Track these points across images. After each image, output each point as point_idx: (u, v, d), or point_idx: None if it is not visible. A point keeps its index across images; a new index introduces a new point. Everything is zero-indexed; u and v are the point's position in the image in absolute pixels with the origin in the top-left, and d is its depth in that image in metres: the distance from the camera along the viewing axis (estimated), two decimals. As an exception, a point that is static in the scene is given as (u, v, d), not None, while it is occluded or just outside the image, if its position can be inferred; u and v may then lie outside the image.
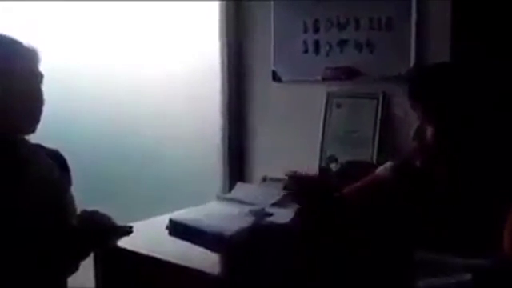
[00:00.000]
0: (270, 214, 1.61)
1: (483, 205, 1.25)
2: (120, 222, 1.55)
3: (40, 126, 1.48)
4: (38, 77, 1.46)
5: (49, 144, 1.60)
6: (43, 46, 1.46)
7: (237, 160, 2.63)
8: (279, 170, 2.32)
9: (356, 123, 2.33)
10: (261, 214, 1.61)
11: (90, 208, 1.56)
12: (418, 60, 2.16)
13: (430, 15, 2.13)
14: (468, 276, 1.09)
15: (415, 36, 2.16)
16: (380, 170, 1.50)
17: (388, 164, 1.49)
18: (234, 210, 1.68)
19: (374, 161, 2.24)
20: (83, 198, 1.63)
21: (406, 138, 2.15)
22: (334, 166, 2.31)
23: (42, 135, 1.55)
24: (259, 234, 1.51)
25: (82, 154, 2.03)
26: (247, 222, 1.54)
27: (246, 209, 1.69)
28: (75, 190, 1.60)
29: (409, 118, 2.16)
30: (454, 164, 1.29)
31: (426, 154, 1.31)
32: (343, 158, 2.30)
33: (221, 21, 2.61)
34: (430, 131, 1.28)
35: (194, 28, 2.56)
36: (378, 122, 2.27)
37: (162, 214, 1.85)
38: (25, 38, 1.43)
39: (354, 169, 2.17)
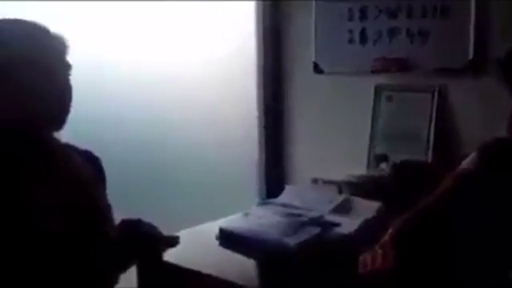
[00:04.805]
0: (337, 224, 1.43)
1: None
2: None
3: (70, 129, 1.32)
4: (66, 68, 1.29)
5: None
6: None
7: (275, 160, 2.45)
8: (323, 171, 2.18)
9: (408, 119, 2.15)
10: (327, 224, 1.43)
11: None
12: (477, 52, 1.97)
13: (492, 2, 1.95)
14: None
15: (474, 25, 1.98)
16: (465, 163, 1.32)
17: (473, 154, 1.32)
18: (288, 217, 1.49)
19: (430, 159, 2.06)
20: (118, 206, 1.46)
21: (465, 135, 2.03)
22: (384, 166, 2.13)
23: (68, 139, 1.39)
24: (329, 245, 1.34)
25: (112, 159, 1.86)
26: (313, 231, 1.37)
27: (303, 215, 1.50)
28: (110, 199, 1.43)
29: (467, 113, 2.04)
30: None
31: None
32: (394, 157, 2.12)
33: (258, 9, 2.42)
34: None
35: (231, 17, 2.38)
36: (434, 117, 2.09)
37: (196, 220, 1.68)
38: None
39: (410, 169, 2.01)
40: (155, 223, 1.42)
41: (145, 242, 1.35)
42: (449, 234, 1.25)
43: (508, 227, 1.21)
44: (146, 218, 1.42)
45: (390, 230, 1.19)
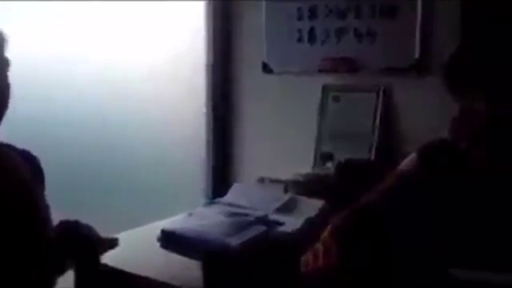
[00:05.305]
0: (281, 223, 1.42)
1: None
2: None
3: (7, 128, 1.26)
4: (5, 64, 1.24)
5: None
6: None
7: (222, 161, 2.43)
8: (270, 170, 2.17)
9: (354, 118, 2.16)
10: (270, 223, 1.42)
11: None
12: (423, 51, 2.00)
13: (438, 2, 1.98)
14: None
15: (420, 25, 2.01)
16: (405, 162, 1.33)
17: (413, 155, 1.33)
18: (233, 216, 1.48)
19: (374, 158, 2.08)
20: (57, 207, 1.42)
21: (410, 134, 2.06)
22: (330, 165, 2.14)
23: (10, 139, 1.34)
24: (273, 244, 1.33)
25: (55, 159, 1.80)
26: (256, 230, 1.35)
27: (248, 214, 1.49)
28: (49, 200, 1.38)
29: (412, 112, 2.07)
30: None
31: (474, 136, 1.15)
32: (340, 156, 2.12)
33: (207, 8, 2.39)
34: (480, 109, 1.12)
35: (178, 14, 2.34)
36: (379, 117, 2.11)
37: (139, 222, 1.64)
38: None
39: (354, 168, 2.02)
40: (98, 225, 1.38)
41: (82, 244, 1.31)
42: (388, 231, 1.25)
43: (447, 226, 1.23)
44: (89, 220, 1.38)
45: (328, 227, 1.19)
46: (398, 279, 1.16)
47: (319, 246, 1.16)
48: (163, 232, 1.42)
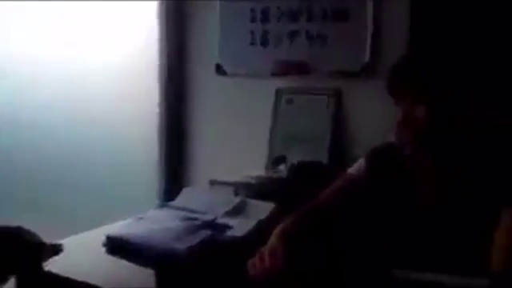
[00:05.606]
0: (230, 227, 1.42)
1: (474, 205, 1.13)
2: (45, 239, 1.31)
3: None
4: None
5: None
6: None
7: (176, 162, 2.40)
8: (224, 172, 2.16)
9: (307, 121, 2.18)
10: (219, 226, 1.41)
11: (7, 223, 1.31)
12: (373, 55, 2.03)
13: (387, 7, 2.02)
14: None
15: (371, 29, 2.04)
16: (354, 166, 1.35)
17: (361, 159, 1.35)
18: (183, 220, 1.46)
19: (326, 160, 2.10)
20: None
21: (361, 137, 2.08)
22: (283, 167, 2.14)
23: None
24: (219, 248, 1.32)
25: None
26: (203, 235, 1.34)
27: (198, 219, 1.48)
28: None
29: (363, 115, 2.09)
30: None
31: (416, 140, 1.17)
32: (294, 158, 2.13)
33: (160, 8, 2.36)
34: (421, 114, 1.13)
35: (130, 14, 2.31)
36: (331, 119, 2.13)
37: (92, 226, 1.60)
38: None
39: (307, 170, 2.03)
40: (42, 229, 1.35)
41: (24, 251, 1.27)
42: (336, 233, 1.26)
43: (391, 228, 1.25)
44: (32, 223, 1.34)
45: (276, 230, 1.19)
46: (345, 280, 1.17)
47: (265, 249, 1.16)
48: (109, 238, 1.39)
